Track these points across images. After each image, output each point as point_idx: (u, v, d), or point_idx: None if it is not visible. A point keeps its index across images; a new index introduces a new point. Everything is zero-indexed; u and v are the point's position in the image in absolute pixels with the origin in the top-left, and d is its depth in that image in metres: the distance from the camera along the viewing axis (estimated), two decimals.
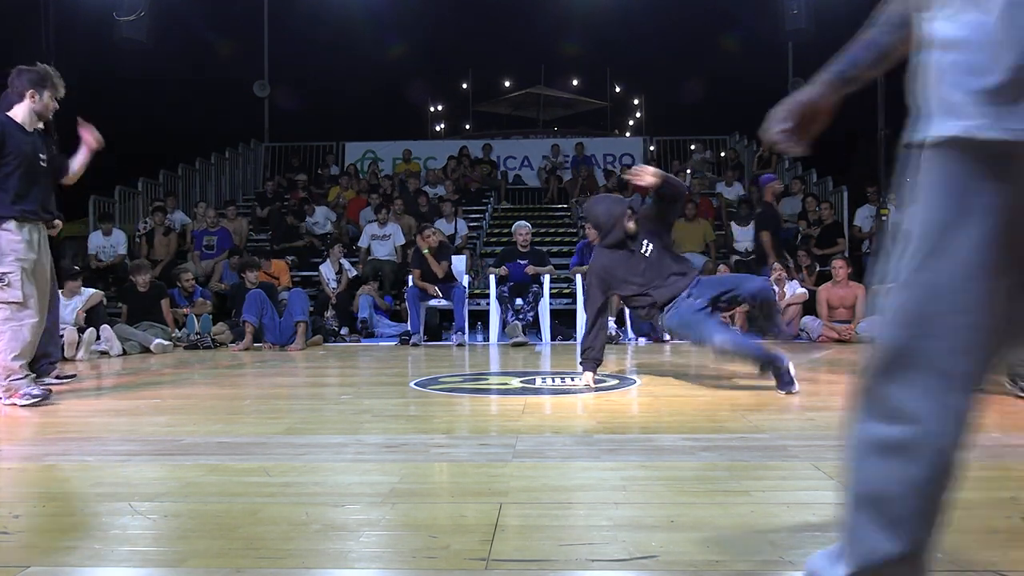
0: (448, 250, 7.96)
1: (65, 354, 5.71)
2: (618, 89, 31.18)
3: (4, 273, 3.60)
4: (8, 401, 3.56)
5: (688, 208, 9.81)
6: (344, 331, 8.05)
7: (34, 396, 3.54)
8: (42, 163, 3.83)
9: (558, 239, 10.82)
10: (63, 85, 3.87)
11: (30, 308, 3.66)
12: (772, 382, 3.59)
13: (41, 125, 3.94)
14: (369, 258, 9.45)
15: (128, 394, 4.01)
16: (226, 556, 1.45)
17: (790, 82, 14.10)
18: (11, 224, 3.62)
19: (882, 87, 9.33)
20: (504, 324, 7.48)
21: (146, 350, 6.57)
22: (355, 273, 8.95)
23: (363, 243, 9.72)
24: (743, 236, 9.80)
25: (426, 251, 7.46)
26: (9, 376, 3.58)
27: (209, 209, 10.26)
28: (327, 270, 8.71)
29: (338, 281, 8.65)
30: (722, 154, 14.31)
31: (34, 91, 3.75)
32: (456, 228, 9.89)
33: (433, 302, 7.50)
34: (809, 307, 7.60)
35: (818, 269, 8.66)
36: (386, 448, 2.47)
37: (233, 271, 8.70)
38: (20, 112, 3.75)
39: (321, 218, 10.94)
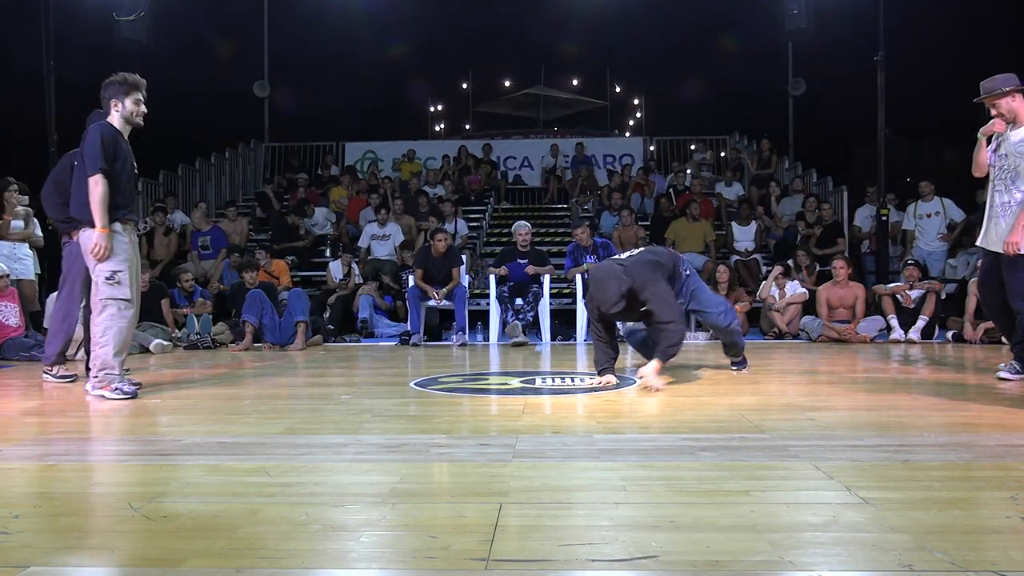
0: (455, 253, 7.93)
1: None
2: (618, 89, 31.22)
3: (115, 271, 3.75)
4: (97, 392, 3.70)
5: (688, 208, 9.81)
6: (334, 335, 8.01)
7: (125, 392, 3.67)
8: (136, 170, 4.02)
9: (558, 239, 10.82)
10: (144, 85, 3.94)
11: (134, 307, 3.84)
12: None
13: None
14: (369, 258, 9.45)
15: None
16: (226, 556, 1.45)
17: (790, 82, 14.11)
18: (118, 225, 3.80)
19: (882, 87, 9.30)
20: (504, 324, 7.47)
21: (145, 350, 6.57)
22: (360, 280, 8.96)
23: (363, 243, 9.72)
24: (743, 236, 9.80)
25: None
26: (105, 370, 3.72)
27: (196, 211, 10.21)
28: (336, 269, 8.73)
29: (340, 283, 8.63)
30: (722, 154, 14.30)
31: (116, 100, 3.87)
32: (456, 228, 9.89)
33: (432, 303, 7.50)
34: (809, 307, 7.60)
35: (818, 269, 8.67)
36: (386, 448, 2.47)
37: (233, 270, 8.70)
38: (115, 123, 3.89)
39: (321, 219, 10.95)
